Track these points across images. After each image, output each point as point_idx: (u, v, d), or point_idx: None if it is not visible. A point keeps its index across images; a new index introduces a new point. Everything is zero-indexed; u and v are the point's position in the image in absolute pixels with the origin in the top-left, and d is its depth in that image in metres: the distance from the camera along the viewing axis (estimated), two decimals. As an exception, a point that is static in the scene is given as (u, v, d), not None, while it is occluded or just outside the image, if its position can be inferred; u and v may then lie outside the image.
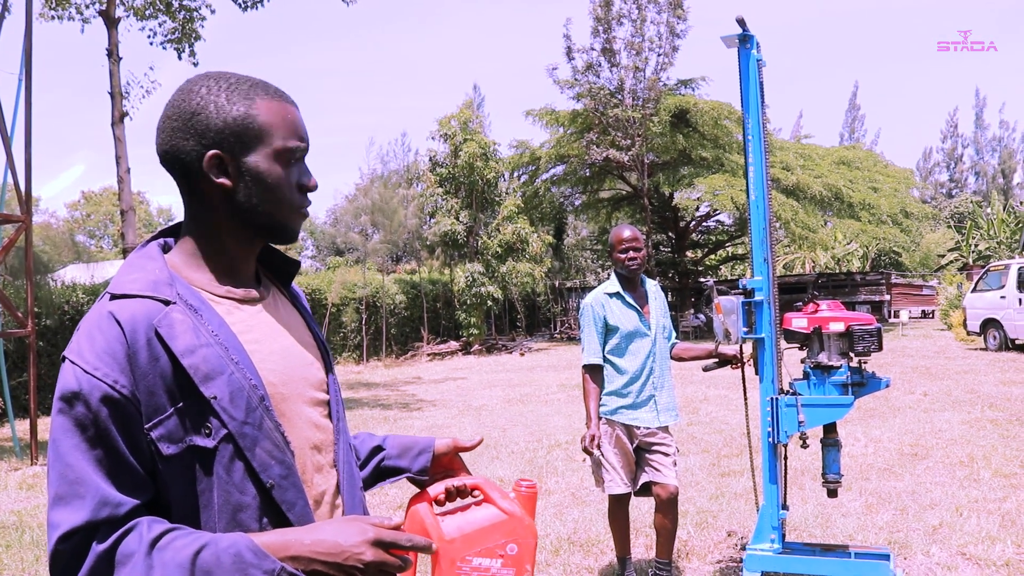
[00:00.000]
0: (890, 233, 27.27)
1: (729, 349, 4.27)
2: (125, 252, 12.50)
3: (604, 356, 4.33)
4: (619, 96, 26.19)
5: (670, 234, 33.11)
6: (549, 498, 6.54)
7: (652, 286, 4.50)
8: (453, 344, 25.46)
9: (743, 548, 4.46)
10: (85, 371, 1.18)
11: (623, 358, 4.29)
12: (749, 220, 3.97)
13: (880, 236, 27.35)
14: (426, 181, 26.52)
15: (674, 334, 4.55)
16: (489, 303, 24.95)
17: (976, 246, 40.30)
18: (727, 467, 7.31)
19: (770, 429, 3.90)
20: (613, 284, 4.39)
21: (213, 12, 13.62)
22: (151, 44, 13.73)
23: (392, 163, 51.26)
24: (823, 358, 3.91)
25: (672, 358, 4.48)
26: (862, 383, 3.83)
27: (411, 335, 26.33)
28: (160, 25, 13.60)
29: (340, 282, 24.19)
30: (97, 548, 1.14)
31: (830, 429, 3.95)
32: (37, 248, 12.51)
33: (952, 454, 7.46)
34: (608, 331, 4.32)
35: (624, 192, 31.59)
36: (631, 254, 4.29)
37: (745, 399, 4.35)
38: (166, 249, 1.40)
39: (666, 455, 4.25)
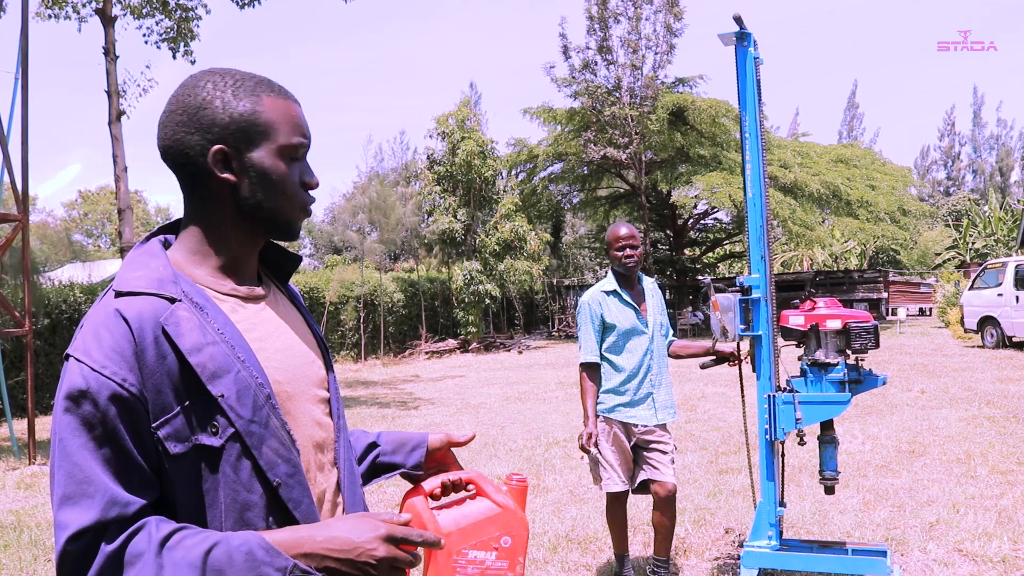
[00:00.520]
0: (888, 231, 27.33)
1: (726, 347, 4.27)
2: (123, 251, 12.47)
3: (601, 354, 4.33)
4: (616, 94, 26.19)
5: (668, 232, 33.12)
6: (547, 496, 6.55)
7: (649, 283, 4.50)
8: (451, 342, 25.46)
9: (741, 545, 4.47)
10: (93, 369, 1.17)
11: (620, 356, 4.29)
12: (746, 218, 3.98)
13: (878, 234, 27.40)
14: (424, 179, 26.52)
15: (671, 332, 4.56)
16: (487, 301, 24.94)
17: (973, 244, 40.41)
18: (725, 464, 7.32)
19: (767, 426, 3.91)
20: (610, 282, 4.39)
21: (209, 12, 13.61)
22: (146, 43, 13.70)
23: (391, 161, 51.28)
24: (820, 355, 3.92)
25: (669, 355, 4.48)
26: (859, 380, 3.84)
27: (409, 333, 26.32)
28: (157, 23, 13.57)
29: (338, 280, 24.20)
30: (106, 548, 1.13)
31: (827, 426, 3.96)
32: (33, 247, 12.49)
33: (949, 451, 7.47)
34: (605, 329, 4.31)
35: (622, 190, 31.60)
36: (628, 252, 4.29)
37: (743, 396, 4.36)
38: (167, 246, 1.39)
39: (664, 453, 4.25)
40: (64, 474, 1.16)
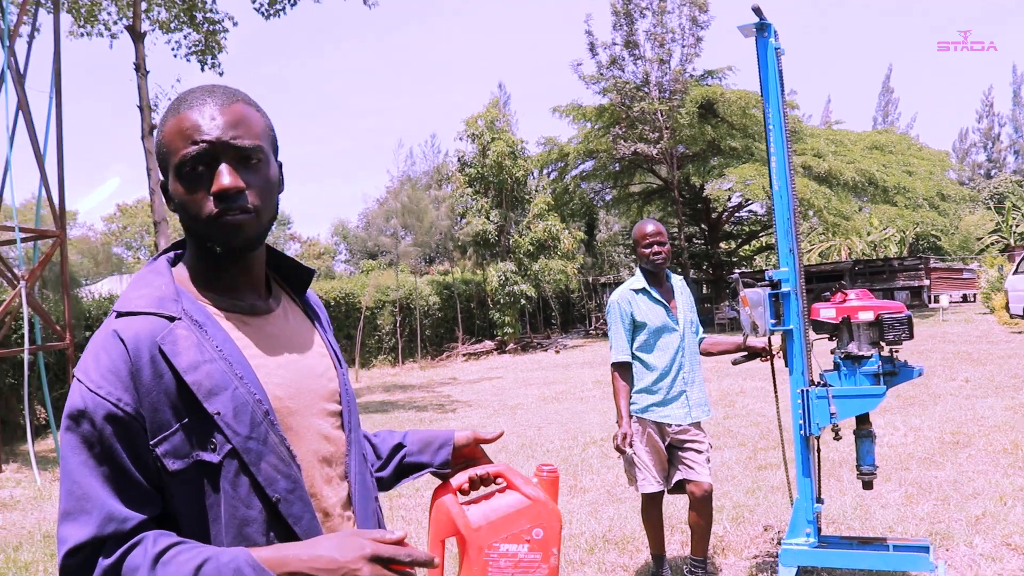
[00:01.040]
0: (927, 217, 26.81)
1: (758, 342, 4.22)
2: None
3: (633, 353, 4.30)
4: (645, 89, 26.05)
5: (703, 226, 32.89)
6: (584, 496, 6.52)
7: (678, 281, 4.46)
8: (488, 344, 25.48)
9: (779, 543, 4.40)
10: (90, 389, 1.20)
11: (652, 354, 4.26)
12: (773, 210, 3.93)
13: (917, 220, 26.90)
14: (455, 181, 26.60)
15: (701, 329, 4.51)
16: (523, 302, 24.95)
17: (1017, 227, 39.56)
18: (764, 460, 7.23)
19: (801, 422, 3.85)
20: (639, 280, 4.35)
21: (236, 24, 13.78)
22: (175, 56, 13.91)
23: (422, 164, 51.47)
24: (853, 348, 3.85)
25: (700, 353, 4.44)
26: (894, 372, 3.77)
27: (446, 336, 26.42)
28: (185, 37, 13.78)
29: (374, 285, 24.36)
30: (103, 563, 1.16)
31: (863, 420, 3.89)
32: (75, 261, 12.73)
33: (995, 441, 7.30)
34: (635, 328, 4.29)
35: (654, 185, 31.44)
36: (655, 248, 4.26)
37: (775, 392, 4.30)
38: (175, 262, 1.41)
39: (699, 452, 4.21)
40: (65, 491, 1.20)
